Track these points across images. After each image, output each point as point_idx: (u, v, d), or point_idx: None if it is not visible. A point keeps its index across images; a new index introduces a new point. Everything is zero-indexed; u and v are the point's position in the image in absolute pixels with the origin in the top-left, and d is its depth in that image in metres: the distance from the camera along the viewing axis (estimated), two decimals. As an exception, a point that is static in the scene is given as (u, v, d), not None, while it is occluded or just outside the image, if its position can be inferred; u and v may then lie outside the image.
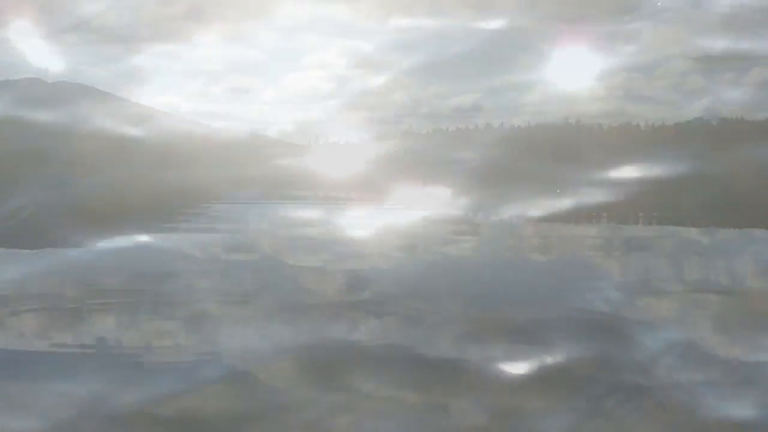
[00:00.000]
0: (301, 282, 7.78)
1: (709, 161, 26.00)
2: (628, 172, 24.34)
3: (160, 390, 4.24)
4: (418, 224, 14.34)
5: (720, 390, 4.34)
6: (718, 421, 3.88)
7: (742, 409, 4.03)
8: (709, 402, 4.15)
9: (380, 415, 3.91)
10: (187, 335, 5.54)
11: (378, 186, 23.85)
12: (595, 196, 18.40)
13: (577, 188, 20.29)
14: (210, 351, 5.09)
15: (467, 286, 7.68)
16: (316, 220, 14.99)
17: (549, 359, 4.88)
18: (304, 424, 3.77)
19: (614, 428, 3.79)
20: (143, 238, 12.98)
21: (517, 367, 4.71)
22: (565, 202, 17.64)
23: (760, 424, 3.86)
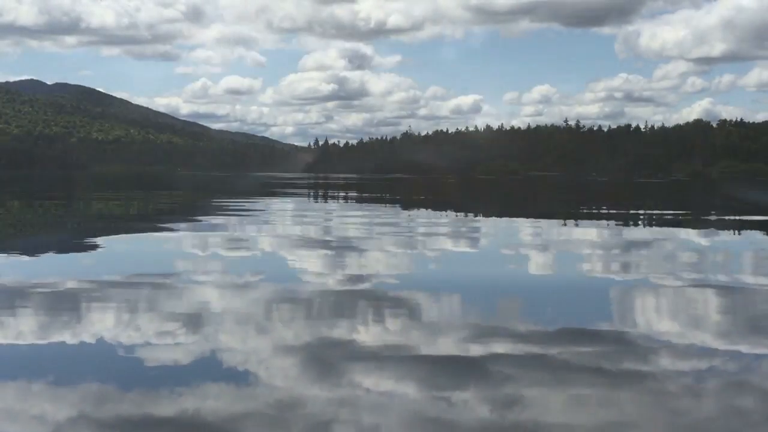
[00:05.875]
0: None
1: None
2: None
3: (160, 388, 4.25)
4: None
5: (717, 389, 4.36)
6: (715, 420, 3.89)
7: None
8: (707, 400, 4.17)
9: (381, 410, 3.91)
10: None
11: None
12: None
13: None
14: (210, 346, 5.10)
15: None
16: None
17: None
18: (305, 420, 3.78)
19: (614, 425, 3.79)
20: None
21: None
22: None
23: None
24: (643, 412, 3.94)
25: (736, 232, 15.91)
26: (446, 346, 5.22)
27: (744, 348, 5.34)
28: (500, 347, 5.16)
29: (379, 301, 6.83)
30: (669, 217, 21.63)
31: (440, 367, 4.66)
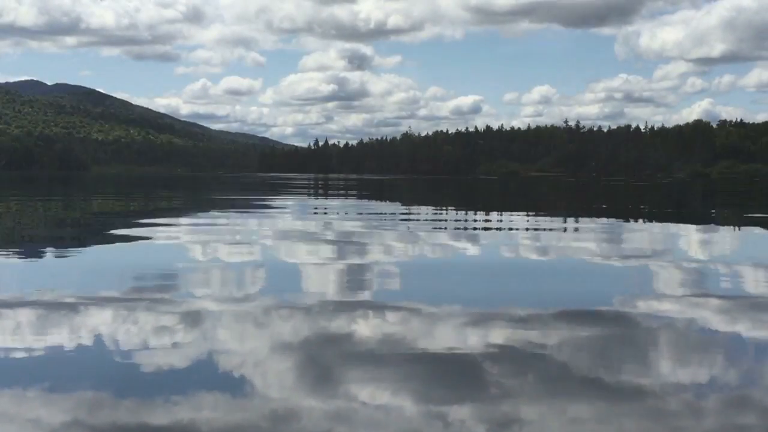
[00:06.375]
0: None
1: None
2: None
3: (155, 397, 4.20)
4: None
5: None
6: (716, 422, 3.84)
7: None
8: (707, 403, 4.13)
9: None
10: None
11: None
12: None
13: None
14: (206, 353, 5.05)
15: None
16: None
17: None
18: None
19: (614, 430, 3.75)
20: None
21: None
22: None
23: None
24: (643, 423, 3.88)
25: None
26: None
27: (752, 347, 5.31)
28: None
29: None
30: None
31: (443, 368, 4.61)
